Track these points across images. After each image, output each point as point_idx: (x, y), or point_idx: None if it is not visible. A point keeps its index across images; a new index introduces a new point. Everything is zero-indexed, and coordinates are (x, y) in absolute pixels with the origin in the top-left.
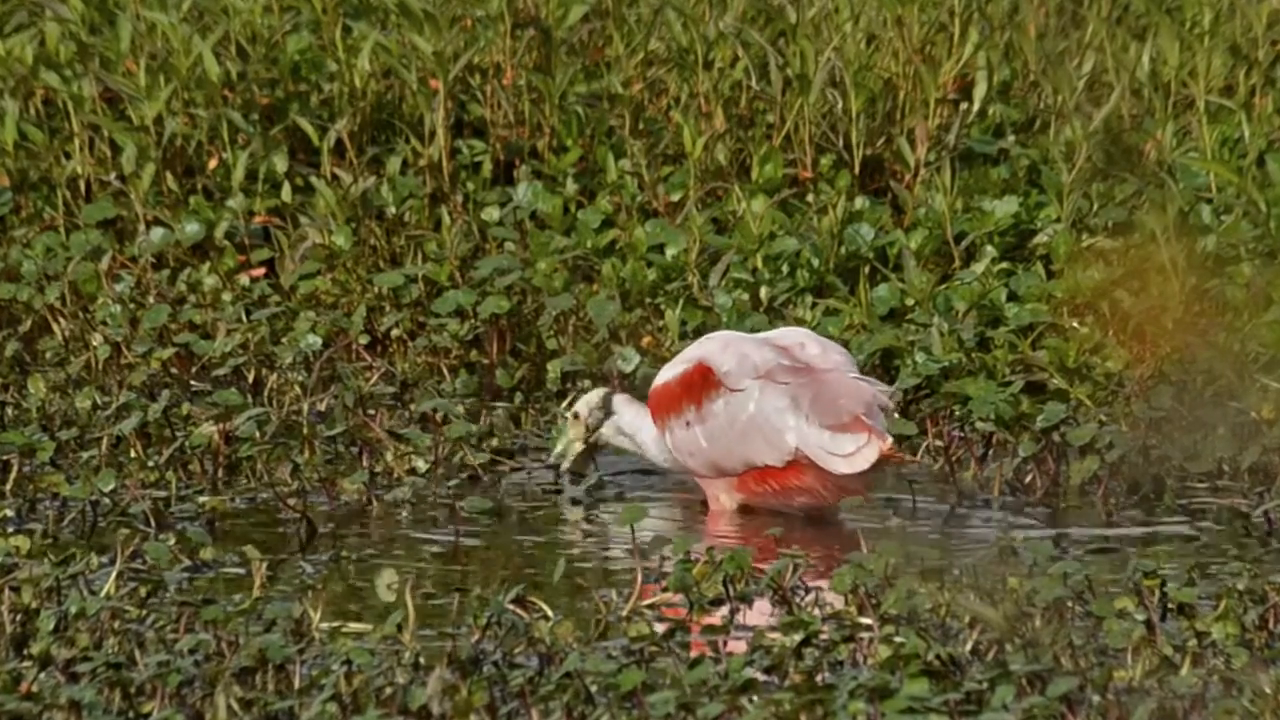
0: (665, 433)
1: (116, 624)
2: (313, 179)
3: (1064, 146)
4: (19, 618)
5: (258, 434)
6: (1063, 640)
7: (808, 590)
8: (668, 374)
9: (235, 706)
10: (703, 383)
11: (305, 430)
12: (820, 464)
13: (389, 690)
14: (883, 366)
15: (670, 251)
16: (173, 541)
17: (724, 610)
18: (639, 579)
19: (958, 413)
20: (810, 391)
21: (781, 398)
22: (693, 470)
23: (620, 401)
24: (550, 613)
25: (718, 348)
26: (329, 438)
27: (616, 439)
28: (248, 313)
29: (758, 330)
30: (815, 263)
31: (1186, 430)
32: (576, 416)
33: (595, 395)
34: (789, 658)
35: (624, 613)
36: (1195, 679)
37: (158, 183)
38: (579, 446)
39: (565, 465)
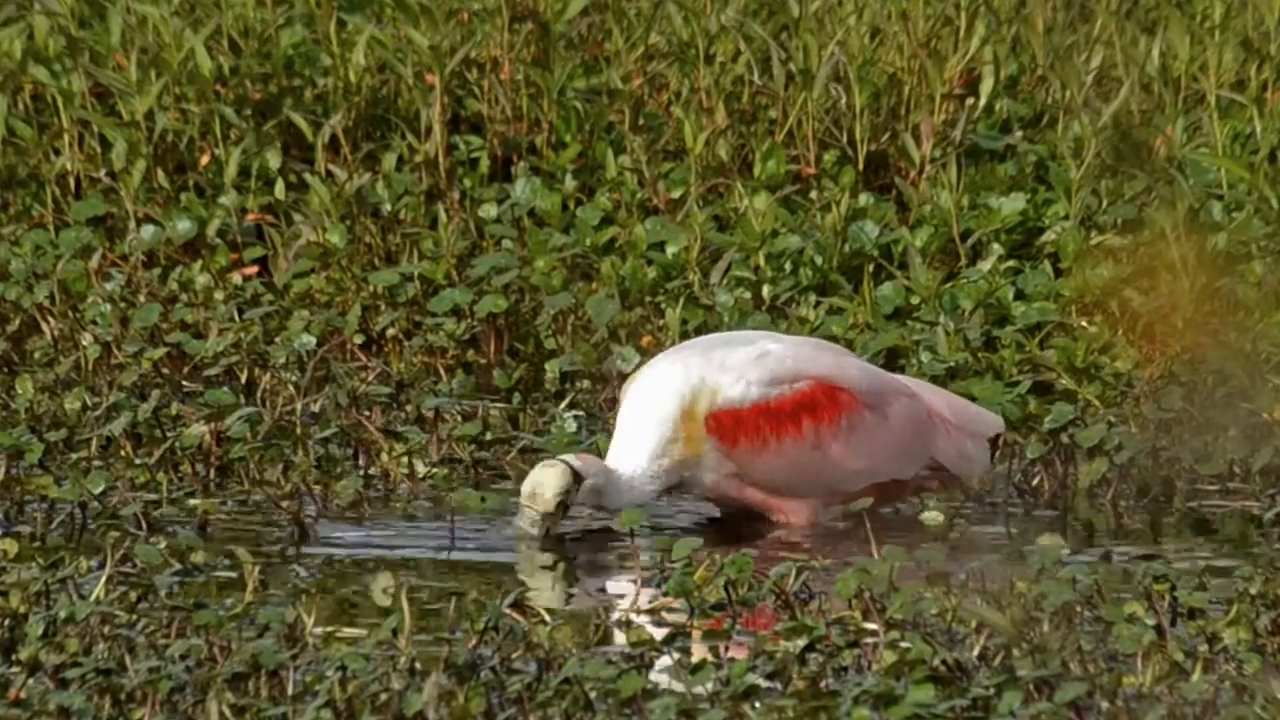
0: (736, 458)
1: (106, 629)
2: (306, 175)
3: (1072, 142)
4: (7, 622)
5: (250, 435)
6: (1071, 645)
7: (811, 595)
8: (749, 394)
9: (227, 713)
10: (830, 403)
11: (299, 431)
12: (957, 471)
13: (384, 696)
14: (888, 366)
15: (671, 249)
16: (163, 545)
17: (726, 615)
18: (639, 583)
19: None
20: (939, 401)
21: (919, 409)
22: (768, 492)
23: (579, 462)
24: (548, 617)
25: (828, 362)
26: (323, 439)
27: (586, 499)
28: (240, 312)
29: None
30: (819, 261)
31: (1197, 432)
32: (560, 505)
33: (557, 476)
34: (792, 663)
35: (624, 617)
36: (1206, 685)
37: (148, 179)
38: (557, 523)
39: (542, 533)
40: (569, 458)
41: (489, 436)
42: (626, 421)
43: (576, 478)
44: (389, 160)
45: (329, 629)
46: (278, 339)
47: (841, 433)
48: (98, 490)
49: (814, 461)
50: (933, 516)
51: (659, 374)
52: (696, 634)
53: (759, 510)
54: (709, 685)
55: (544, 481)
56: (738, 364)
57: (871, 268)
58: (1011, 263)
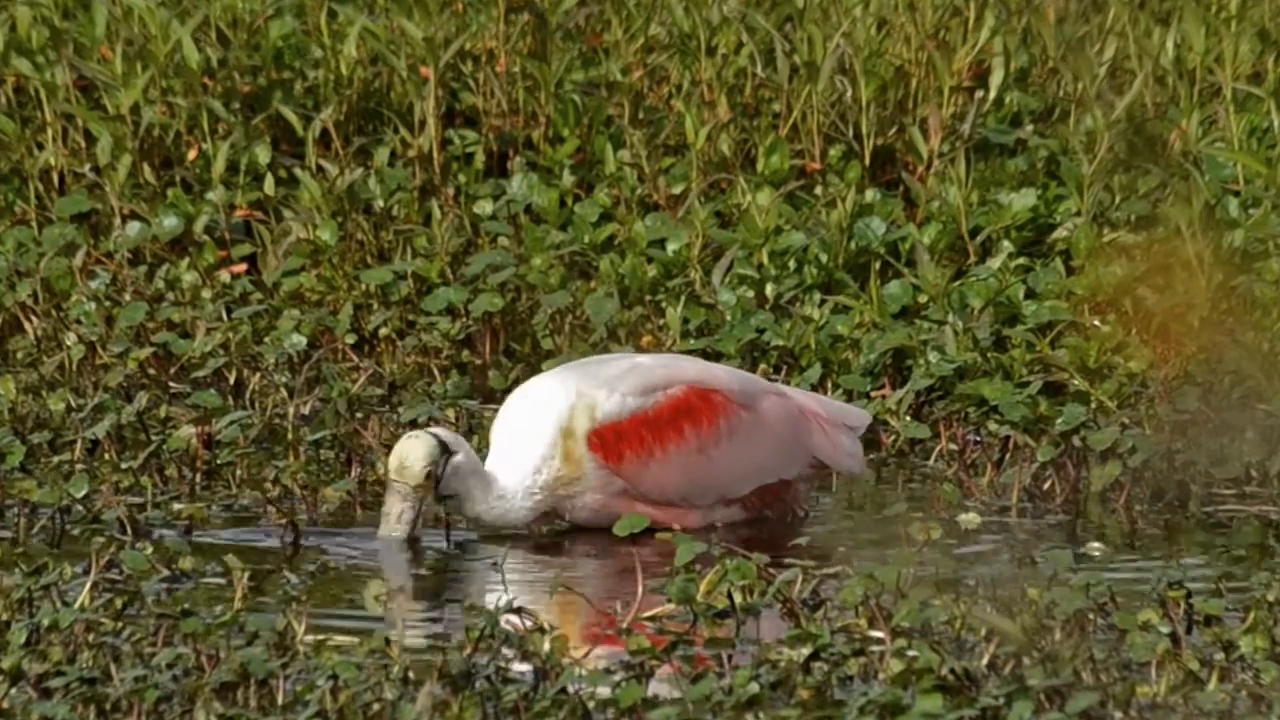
0: (625, 473)
1: (91, 637)
2: (297, 171)
3: (1084, 136)
4: None
5: (242, 439)
6: (1083, 654)
7: (817, 602)
8: (627, 405)
9: None
10: (706, 405)
11: (290, 435)
12: (838, 467)
13: (377, 706)
14: (894, 366)
15: (671, 247)
16: (150, 550)
17: (729, 622)
18: (639, 589)
19: (973, 415)
20: (811, 400)
21: (791, 407)
22: (660, 505)
23: (448, 434)
24: (546, 624)
25: (696, 369)
26: (314, 442)
27: (451, 483)
28: (228, 311)
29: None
30: (824, 258)
31: (1213, 434)
32: (430, 477)
33: (423, 444)
34: (797, 672)
35: (624, 624)
36: (1222, 694)
37: (134, 175)
38: (423, 506)
39: (414, 531)
40: (436, 429)
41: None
42: (504, 437)
43: (444, 449)
44: (381, 155)
45: (320, 637)
46: (267, 339)
47: (722, 435)
48: (81, 494)
49: (701, 466)
50: (970, 519)
51: (537, 390)
52: (699, 642)
53: (652, 525)
54: (711, 694)
55: (410, 452)
56: (610, 377)
57: (878, 265)
58: (1022, 260)
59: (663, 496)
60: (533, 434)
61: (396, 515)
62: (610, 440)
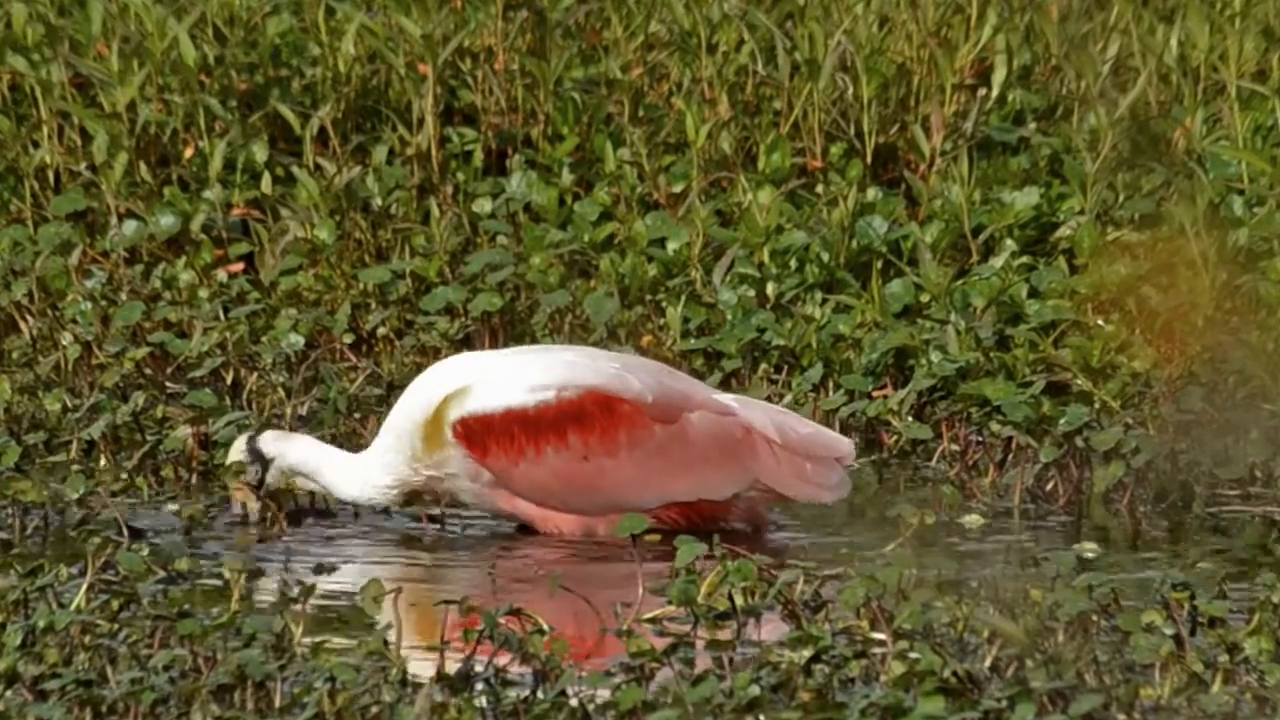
0: (491, 468)
1: (87, 639)
2: (294, 169)
3: (1088, 135)
4: None
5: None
6: (1087, 656)
7: (818, 604)
8: (503, 401)
9: None
10: (605, 414)
11: None
12: (794, 495)
13: (375, 709)
14: (896, 366)
15: (672, 246)
16: (146, 552)
17: (730, 624)
18: (640, 591)
19: (975, 415)
20: (771, 420)
21: (732, 427)
22: (540, 504)
23: (271, 440)
24: (546, 626)
25: (611, 372)
26: None
27: (293, 480)
28: (225, 310)
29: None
30: (825, 257)
31: (1217, 434)
32: (238, 474)
33: (234, 449)
34: (798, 674)
35: (624, 626)
36: (1227, 696)
37: (131, 173)
38: (254, 504)
39: (253, 517)
40: (270, 433)
41: None
42: (390, 414)
43: (256, 454)
44: (379, 153)
45: (317, 639)
46: (264, 338)
47: (620, 446)
48: (76, 495)
49: (586, 474)
50: (972, 520)
51: (433, 372)
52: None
53: (533, 525)
54: (711, 696)
55: (234, 449)
56: (507, 368)
57: (880, 264)
58: (1025, 259)
59: (535, 497)
60: (401, 415)
61: (239, 507)
62: (476, 432)
